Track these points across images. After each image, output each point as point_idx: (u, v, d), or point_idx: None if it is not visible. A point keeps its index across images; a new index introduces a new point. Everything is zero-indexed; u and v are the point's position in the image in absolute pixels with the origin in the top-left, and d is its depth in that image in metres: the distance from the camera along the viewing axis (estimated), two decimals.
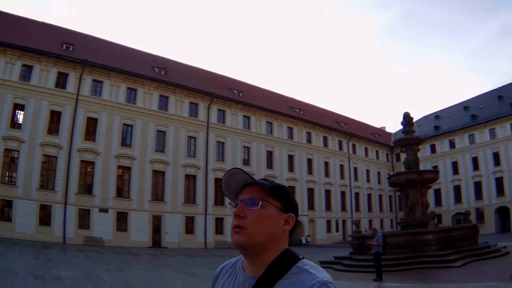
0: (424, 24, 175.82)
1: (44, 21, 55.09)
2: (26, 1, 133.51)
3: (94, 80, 50.56)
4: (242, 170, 2.01)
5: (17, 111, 45.59)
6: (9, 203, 42.87)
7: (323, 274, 1.85)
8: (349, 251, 31.11)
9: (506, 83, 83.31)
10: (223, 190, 2.12)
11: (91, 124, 49.93)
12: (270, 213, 1.98)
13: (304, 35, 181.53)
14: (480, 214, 72.96)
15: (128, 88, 53.52)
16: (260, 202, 1.96)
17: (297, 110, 75.48)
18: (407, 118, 33.12)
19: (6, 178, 44.01)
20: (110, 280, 20.37)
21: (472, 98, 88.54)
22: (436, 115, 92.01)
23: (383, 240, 21.66)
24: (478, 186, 77.50)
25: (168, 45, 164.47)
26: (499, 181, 74.66)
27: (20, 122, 45.65)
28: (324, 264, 28.07)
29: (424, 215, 30.62)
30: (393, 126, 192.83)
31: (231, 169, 2.04)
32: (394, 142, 35.84)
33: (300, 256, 2.02)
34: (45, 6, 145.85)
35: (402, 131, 33.65)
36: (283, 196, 2.05)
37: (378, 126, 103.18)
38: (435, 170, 38.31)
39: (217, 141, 61.22)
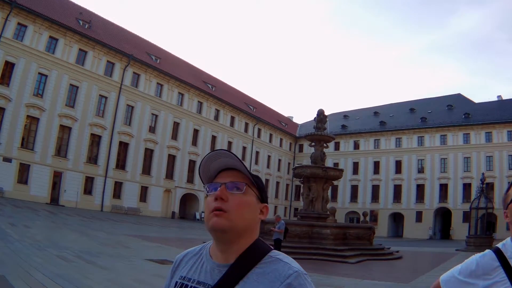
0: (352, 24, 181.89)
1: None
2: None
3: (19, 23, 50.51)
4: (233, 153, 1.96)
5: None
6: None
7: (297, 265, 1.89)
8: None
9: (420, 98, 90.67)
10: (200, 171, 2.05)
11: (8, 69, 49.62)
12: (251, 200, 1.97)
13: (224, 8, 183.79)
14: (374, 216, 79.23)
15: (50, 37, 53.80)
16: (245, 187, 1.95)
17: (210, 86, 78.58)
18: (321, 115, 35.22)
19: None
20: (17, 236, 20.59)
21: (384, 105, 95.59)
22: (345, 115, 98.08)
23: (284, 228, 23.09)
24: (375, 189, 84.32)
25: None
26: (397, 188, 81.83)
27: None
28: None
29: (323, 209, 32.81)
30: (300, 117, 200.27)
31: (216, 150, 2.00)
32: (306, 136, 36.92)
33: (271, 247, 2.03)
34: None
35: (314, 126, 35.42)
36: (260, 186, 2.06)
37: (286, 115, 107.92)
38: (340, 169, 39.69)
39: (127, 104, 63.47)
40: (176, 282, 2.07)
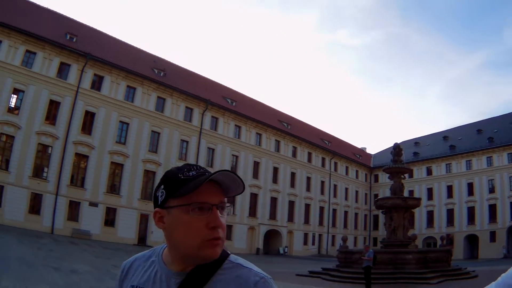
0: (407, 50, 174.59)
1: (49, 8, 53.32)
2: None
3: (95, 75, 48.77)
4: (236, 174, 1.67)
5: (14, 96, 43.46)
6: (1, 189, 40.57)
7: (260, 270, 1.70)
8: (336, 264, 32.56)
9: (485, 118, 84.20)
10: (181, 181, 1.68)
11: (89, 118, 48.07)
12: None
13: (293, 51, 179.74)
14: (450, 240, 72.09)
15: (128, 86, 51.90)
16: (231, 208, 1.77)
17: (285, 124, 74.29)
18: (396, 149, 34.68)
19: None
20: None
21: (452, 128, 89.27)
22: (416, 142, 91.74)
23: (373, 256, 22.95)
24: (450, 213, 77.37)
25: (167, 46, 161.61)
26: (471, 210, 74.79)
27: (15, 107, 43.52)
28: (313, 274, 30.35)
29: (405, 237, 31.95)
30: (373, 147, 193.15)
31: (227, 172, 1.67)
32: (384, 169, 36.46)
33: (228, 251, 1.80)
34: None
35: (391, 159, 35.12)
36: None
37: (359, 146, 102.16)
38: (418, 198, 39.80)
39: (208, 147, 59.88)
40: None
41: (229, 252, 1.80)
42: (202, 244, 1.63)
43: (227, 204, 1.74)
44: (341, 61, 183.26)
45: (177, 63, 67.44)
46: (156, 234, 49.62)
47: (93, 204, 46.12)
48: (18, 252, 23.68)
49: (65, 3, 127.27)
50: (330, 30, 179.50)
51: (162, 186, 1.74)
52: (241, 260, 1.77)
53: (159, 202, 1.74)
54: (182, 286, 1.68)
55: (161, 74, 56.70)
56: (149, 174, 52.57)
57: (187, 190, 1.64)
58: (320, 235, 75.92)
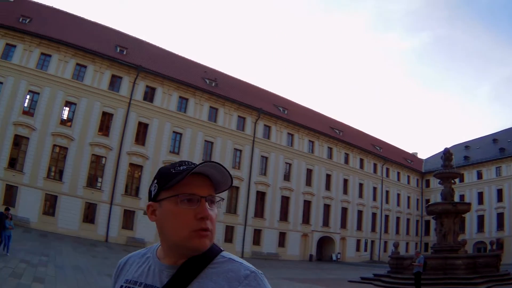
0: (455, 51, 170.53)
1: (97, 22, 54.28)
2: (80, 1, 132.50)
3: (147, 86, 49.28)
4: (224, 168, 1.72)
5: (66, 108, 44.43)
6: (54, 199, 41.60)
7: (251, 265, 1.70)
8: (387, 270, 32.95)
9: None
10: (169, 174, 1.72)
11: (142, 129, 48.55)
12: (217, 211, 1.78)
13: (342, 57, 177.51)
14: (500, 244, 69.99)
15: (180, 97, 52.05)
16: (221, 202, 1.80)
17: (337, 131, 72.85)
18: (447, 154, 34.51)
19: (53, 174, 42.75)
20: None
21: (502, 131, 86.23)
22: (466, 145, 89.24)
23: (424, 262, 23.58)
24: (500, 217, 75.08)
25: (216, 56, 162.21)
26: None
27: (67, 119, 44.49)
28: (365, 280, 31.07)
29: (455, 242, 31.73)
30: (424, 152, 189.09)
31: (210, 162, 1.70)
32: (434, 174, 36.79)
33: (221, 248, 1.80)
34: (98, 7, 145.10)
35: (442, 165, 35.14)
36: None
37: (410, 151, 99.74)
38: (468, 203, 39.60)
39: (262, 156, 59.34)
40: (121, 286, 1.85)
41: (222, 249, 1.78)
42: (190, 235, 1.64)
43: (217, 198, 1.75)
44: (390, 65, 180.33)
45: (227, 73, 67.36)
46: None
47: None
48: (73, 260, 24.35)
49: (113, 17, 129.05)
50: (379, 33, 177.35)
51: (155, 181, 1.77)
52: (233, 256, 1.74)
53: (152, 196, 1.76)
54: (173, 278, 1.67)
55: (213, 84, 56.60)
56: None
57: (175, 181, 1.65)
58: (372, 241, 74.35)
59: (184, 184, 1.67)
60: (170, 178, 1.69)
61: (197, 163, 1.71)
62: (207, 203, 1.68)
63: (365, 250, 72.68)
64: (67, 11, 51.98)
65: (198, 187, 1.69)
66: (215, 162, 1.69)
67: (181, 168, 1.71)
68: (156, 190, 1.74)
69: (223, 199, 1.81)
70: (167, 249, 1.75)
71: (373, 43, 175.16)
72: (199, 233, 1.65)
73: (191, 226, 1.64)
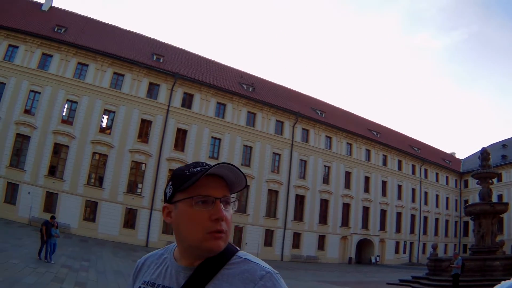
0: (488, 47, 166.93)
1: (132, 30, 54.63)
2: (114, 10, 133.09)
3: (185, 93, 49.47)
4: (236, 167, 1.66)
5: (105, 116, 44.98)
6: (95, 205, 42.16)
7: (267, 265, 1.67)
8: (426, 272, 32.35)
9: None
10: (184, 177, 1.69)
11: (181, 135, 48.73)
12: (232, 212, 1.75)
13: (375, 57, 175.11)
14: None
15: (218, 103, 52.05)
16: (236, 203, 1.76)
17: (375, 133, 71.63)
18: (484, 153, 33.74)
19: (93, 181, 43.24)
20: None
21: None
22: (503, 144, 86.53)
23: (462, 263, 23.49)
24: None
25: (253, 61, 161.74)
26: None
27: (106, 127, 45.18)
28: (403, 282, 30.76)
29: (493, 243, 31.05)
30: (463, 152, 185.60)
31: (225, 163, 1.65)
32: (472, 175, 35.78)
33: (237, 248, 1.77)
34: (133, 16, 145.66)
35: (479, 165, 34.16)
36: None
37: (448, 151, 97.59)
38: (505, 203, 37.72)
39: (300, 159, 58.63)
40: (139, 287, 1.84)
41: (238, 248, 1.75)
42: (205, 236, 1.62)
43: (232, 199, 1.73)
44: (424, 64, 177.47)
45: (263, 77, 67.03)
46: (250, 245, 49.81)
47: None
48: (114, 264, 24.57)
49: (149, 25, 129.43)
50: (411, 33, 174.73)
51: (170, 183, 1.75)
52: (250, 256, 1.71)
53: (167, 198, 1.74)
54: (190, 280, 1.65)
55: (250, 89, 56.27)
56: None
57: (190, 183, 1.63)
58: (411, 243, 72.68)
59: (198, 185, 1.63)
60: (185, 180, 1.65)
61: (206, 164, 1.70)
62: (222, 204, 1.65)
63: (404, 252, 71.25)
64: (101, 20, 52.75)
65: (213, 188, 1.65)
66: (229, 164, 1.63)
67: (195, 169, 1.68)
68: (171, 192, 1.71)
69: (238, 199, 1.75)
70: (183, 251, 1.72)
71: (406, 43, 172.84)
72: (214, 235, 1.61)
73: (206, 227, 1.61)
